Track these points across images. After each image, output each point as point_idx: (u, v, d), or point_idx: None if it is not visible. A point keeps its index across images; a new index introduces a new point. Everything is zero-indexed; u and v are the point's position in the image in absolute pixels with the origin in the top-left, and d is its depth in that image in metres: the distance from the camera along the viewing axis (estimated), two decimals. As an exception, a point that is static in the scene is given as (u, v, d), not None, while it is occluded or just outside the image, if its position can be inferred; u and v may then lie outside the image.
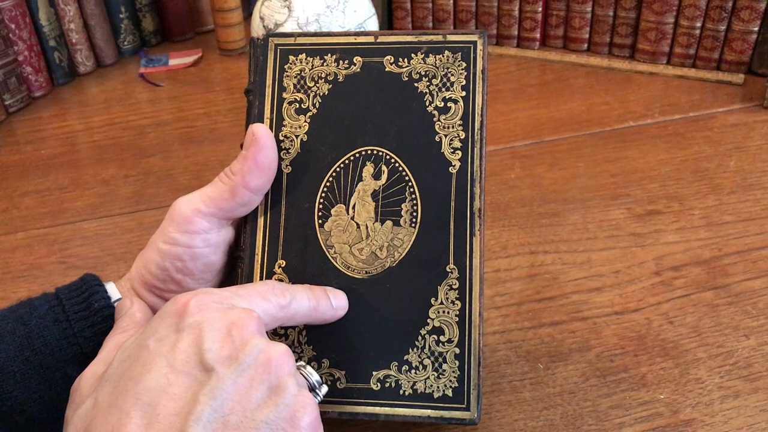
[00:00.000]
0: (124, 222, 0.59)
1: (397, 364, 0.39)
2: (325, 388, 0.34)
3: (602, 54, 0.85)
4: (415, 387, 0.38)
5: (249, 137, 0.38)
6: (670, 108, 0.72)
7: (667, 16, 0.79)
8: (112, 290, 0.39)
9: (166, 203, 0.56)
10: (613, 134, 0.68)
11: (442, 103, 0.40)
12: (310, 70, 0.41)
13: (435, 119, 0.40)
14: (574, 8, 0.84)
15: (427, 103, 0.40)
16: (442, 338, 0.38)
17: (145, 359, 0.30)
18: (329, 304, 0.38)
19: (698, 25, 0.78)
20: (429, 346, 0.38)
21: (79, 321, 0.37)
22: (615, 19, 0.83)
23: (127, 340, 0.33)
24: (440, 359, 0.38)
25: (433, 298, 0.39)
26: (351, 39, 0.41)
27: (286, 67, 0.41)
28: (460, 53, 0.40)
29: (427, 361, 0.38)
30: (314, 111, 0.41)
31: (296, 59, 0.41)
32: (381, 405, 0.38)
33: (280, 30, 0.71)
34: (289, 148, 0.41)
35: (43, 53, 0.81)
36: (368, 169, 0.40)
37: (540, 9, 0.85)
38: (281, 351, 0.31)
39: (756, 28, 0.75)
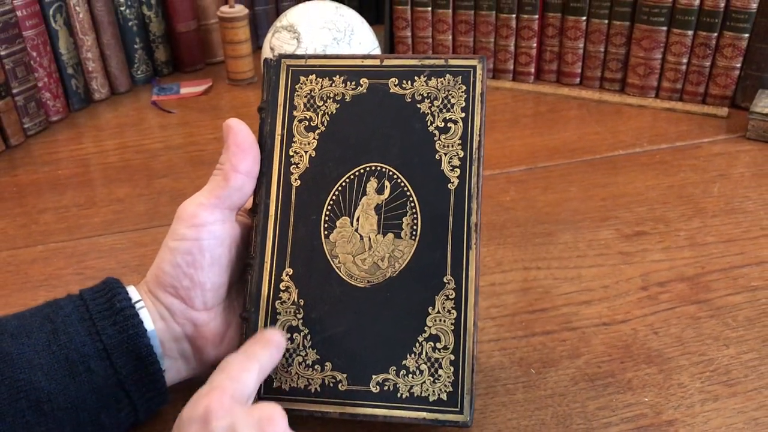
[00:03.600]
0: (138, 237, 0.62)
1: (395, 368, 0.41)
2: None
3: (594, 88, 0.89)
4: (412, 390, 0.41)
5: (224, 130, 0.43)
6: (658, 138, 0.76)
7: (655, 52, 0.83)
8: (133, 292, 0.42)
9: (178, 220, 0.59)
10: (603, 161, 0.72)
11: (443, 124, 0.43)
12: (319, 90, 0.45)
13: (435, 138, 0.43)
14: (567, 44, 0.88)
15: (429, 123, 0.43)
16: (438, 345, 0.41)
17: None
18: (275, 350, 0.40)
19: (684, 61, 0.82)
20: (426, 352, 0.41)
21: (102, 320, 0.40)
22: (606, 55, 0.87)
23: None
24: (436, 365, 0.41)
25: (431, 307, 0.41)
26: (358, 62, 0.44)
27: (297, 86, 0.45)
28: (460, 77, 0.43)
29: (423, 367, 0.41)
30: (322, 128, 0.44)
31: (306, 80, 0.45)
32: (379, 407, 0.41)
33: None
34: (299, 163, 0.44)
35: (61, 80, 0.84)
36: (372, 184, 0.43)
37: (535, 45, 0.90)
38: None
39: (738, 65, 0.80)
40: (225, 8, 0.90)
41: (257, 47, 1.01)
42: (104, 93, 0.91)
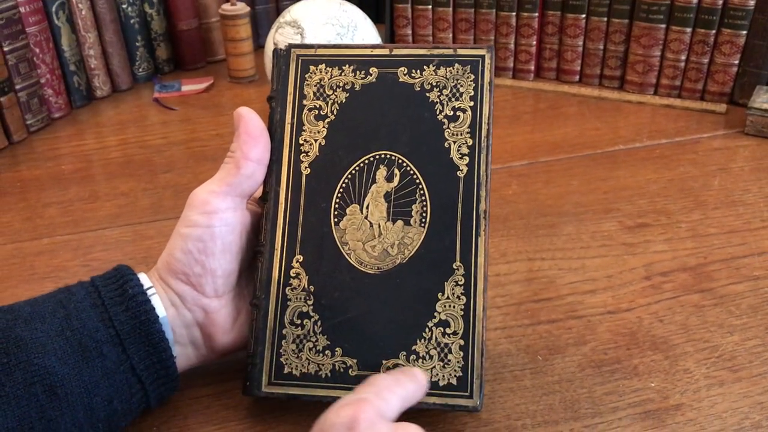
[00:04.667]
0: (144, 230, 0.62)
1: (405, 353, 0.41)
2: None
3: (593, 85, 0.90)
4: None
5: (235, 118, 0.43)
6: (658, 133, 0.77)
7: (653, 49, 0.84)
8: (144, 279, 0.42)
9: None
10: (604, 156, 0.72)
11: (452, 112, 0.44)
12: (329, 80, 0.45)
13: (444, 127, 0.44)
14: (567, 42, 0.89)
15: (438, 112, 0.44)
16: (447, 330, 0.41)
17: None
18: (419, 387, 0.40)
19: (683, 58, 0.83)
20: (435, 337, 0.41)
21: (114, 306, 0.40)
22: (605, 53, 0.88)
23: None
24: (446, 350, 0.41)
25: (440, 293, 0.42)
26: (368, 51, 0.45)
27: (306, 76, 0.45)
28: (469, 66, 0.44)
29: (433, 352, 0.41)
30: (332, 117, 0.45)
31: (316, 69, 0.45)
32: None
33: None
34: (308, 152, 0.44)
35: (63, 77, 0.85)
36: (381, 172, 0.44)
37: (534, 43, 0.90)
38: None
39: (736, 62, 0.81)
40: (226, 6, 0.90)
41: (258, 45, 1.01)
42: (106, 90, 0.91)
